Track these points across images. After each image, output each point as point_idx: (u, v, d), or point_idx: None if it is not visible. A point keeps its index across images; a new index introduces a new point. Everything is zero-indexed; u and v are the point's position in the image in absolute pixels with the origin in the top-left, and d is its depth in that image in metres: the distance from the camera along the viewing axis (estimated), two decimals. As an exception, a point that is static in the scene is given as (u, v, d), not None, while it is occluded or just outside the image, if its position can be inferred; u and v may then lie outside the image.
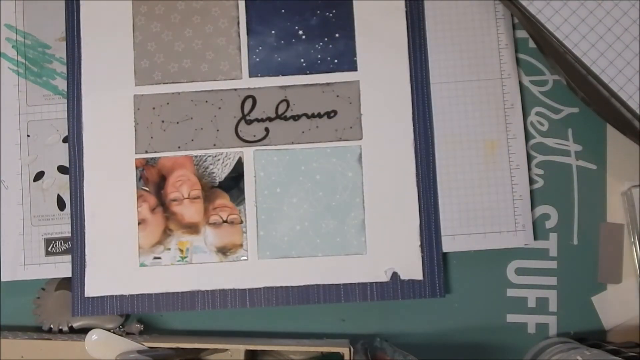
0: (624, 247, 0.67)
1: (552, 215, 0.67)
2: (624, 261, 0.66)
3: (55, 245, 0.68)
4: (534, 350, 0.65)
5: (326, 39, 0.68)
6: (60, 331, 0.67)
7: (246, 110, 0.68)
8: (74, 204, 0.67)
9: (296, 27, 0.68)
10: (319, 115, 0.67)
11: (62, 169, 0.69)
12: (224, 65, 0.68)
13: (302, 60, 0.68)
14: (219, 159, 0.67)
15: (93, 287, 0.66)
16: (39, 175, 0.69)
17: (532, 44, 0.69)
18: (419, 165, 0.67)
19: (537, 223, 0.67)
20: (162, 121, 0.68)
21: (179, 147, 0.68)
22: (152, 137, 0.68)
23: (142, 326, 0.67)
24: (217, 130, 0.68)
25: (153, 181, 0.67)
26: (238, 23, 0.69)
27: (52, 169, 0.69)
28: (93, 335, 0.62)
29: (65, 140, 0.69)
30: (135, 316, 0.68)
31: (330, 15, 0.68)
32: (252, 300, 0.66)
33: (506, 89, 0.68)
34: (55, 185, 0.69)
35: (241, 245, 0.66)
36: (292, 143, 0.67)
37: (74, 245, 0.67)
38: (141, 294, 0.66)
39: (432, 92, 0.68)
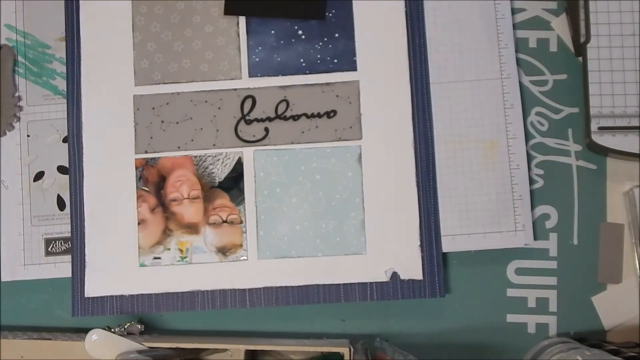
0: (624, 247, 0.67)
1: (552, 215, 0.67)
2: (624, 261, 0.66)
3: (55, 245, 0.68)
4: (534, 350, 0.65)
5: (326, 39, 0.68)
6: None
7: (246, 110, 0.68)
8: (74, 204, 0.67)
9: (296, 27, 0.68)
10: (319, 115, 0.67)
11: (62, 169, 0.69)
12: (224, 65, 0.68)
13: (302, 60, 0.68)
14: (218, 159, 0.67)
15: (93, 287, 0.67)
16: (39, 175, 0.69)
17: (532, 44, 0.69)
18: (419, 165, 0.67)
19: (537, 223, 0.67)
20: (162, 121, 0.68)
21: (178, 147, 0.68)
22: (151, 137, 0.68)
23: (142, 326, 0.67)
24: (217, 130, 0.68)
25: (153, 181, 0.67)
26: (238, 23, 0.69)
27: (52, 169, 0.69)
28: (93, 335, 0.62)
29: (65, 140, 0.69)
30: (136, 316, 0.68)
31: (330, 15, 0.68)
32: (252, 300, 0.66)
33: (506, 89, 0.68)
34: (55, 185, 0.69)
35: (241, 245, 0.66)
36: (292, 143, 0.67)
37: (74, 245, 0.67)
38: (141, 294, 0.66)
39: (432, 92, 0.68)
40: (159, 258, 0.67)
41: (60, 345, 0.65)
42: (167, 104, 0.68)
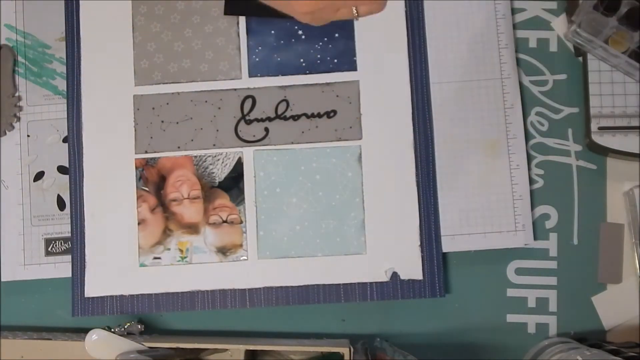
0: (624, 247, 0.67)
1: (552, 215, 0.67)
2: (624, 261, 0.66)
3: (55, 245, 0.68)
4: (534, 350, 0.65)
5: (326, 39, 0.68)
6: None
7: (246, 110, 0.68)
8: (74, 204, 0.67)
9: (296, 27, 0.68)
10: (319, 115, 0.67)
11: (62, 169, 0.69)
12: (224, 65, 0.68)
13: (302, 60, 0.68)
14: (218, 159, 0.67)
15: (93, 287, 0.67)
16: (39, 175, 0.69)
17: (532, 44, 0.69)
18: (419, 165, 0.67)
19: (537, 223, 0.67)
20: (162, 121, 0.68)
21: (178, 147, 0.68)
22: (151, 137, 0.68)
23: (142, 326, 0.67)
24: (217, 131, 0.68)
25: (153, 181, 0.67)
26: (238, 23, 0.69)
27: (52, 169, 0.69)
28: (93, 335, 0.62)
29: (65, 140, 0.69)
30: (136, 316, 0.68)
31: (330, 15, 0.68)
32: (252, 300, 0.66)
33: (506, 89, 0.68)
34: (55, 185, 0.69)
35: (241, 245, 0.66)
36: (292, 143, 0.67)
37: (74, 245, 0.67)
38: (141, 294, 0.66)
39: (432, 92, 0.68)
40: (159, 258, 0.67)
41: (60, 345, 0.65)
42: (167, 104, 0.68)
